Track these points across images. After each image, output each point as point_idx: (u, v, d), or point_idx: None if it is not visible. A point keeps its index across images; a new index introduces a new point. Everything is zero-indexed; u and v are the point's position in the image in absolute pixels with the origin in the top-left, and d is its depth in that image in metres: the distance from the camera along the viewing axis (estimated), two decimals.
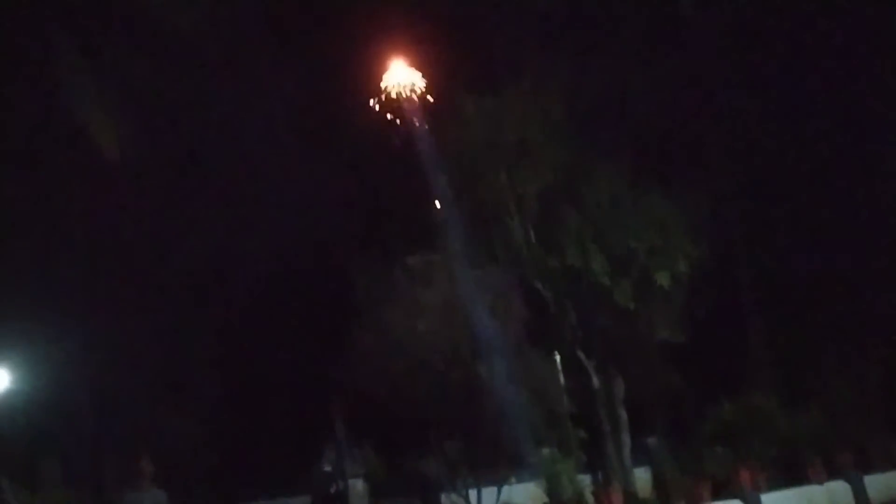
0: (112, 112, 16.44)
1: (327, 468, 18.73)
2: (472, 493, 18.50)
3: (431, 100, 19.29)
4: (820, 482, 17.10)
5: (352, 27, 18.41)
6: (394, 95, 19.35)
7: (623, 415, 18.21)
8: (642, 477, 18.42)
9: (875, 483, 17.68)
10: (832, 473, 17.43)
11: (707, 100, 17.91)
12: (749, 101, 18.00)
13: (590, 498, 16.10)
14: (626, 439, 18.20)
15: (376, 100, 19.21)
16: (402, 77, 19.48)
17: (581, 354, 18.43)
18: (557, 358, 18.55)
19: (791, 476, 17.13)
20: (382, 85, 19.23)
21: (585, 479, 17.38)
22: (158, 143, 17.16)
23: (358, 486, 18.31)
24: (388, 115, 19.02)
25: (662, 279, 17.64)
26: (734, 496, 15.53)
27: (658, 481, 17.90)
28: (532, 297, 18.21)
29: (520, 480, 18.50)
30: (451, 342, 17.64)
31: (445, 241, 17.87)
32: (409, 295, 17.65)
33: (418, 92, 19.50)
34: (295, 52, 18.04)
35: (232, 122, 17.13)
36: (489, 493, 18.51)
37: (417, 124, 18.82)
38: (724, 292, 19.10)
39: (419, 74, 19.45)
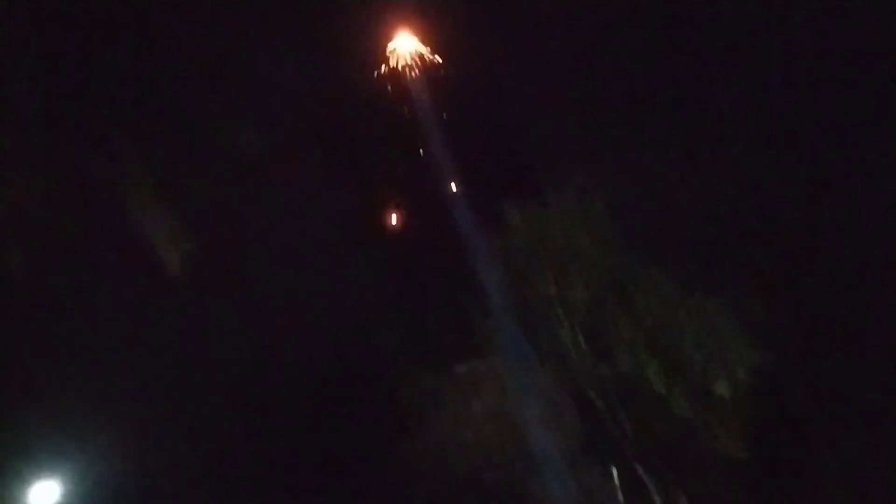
0: (176, 229, 17.17)
1: None
2: None
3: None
4: None
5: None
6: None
7: None
8: None
9: None
10: None
11: (758, 202, 17.68)
12: (800, 203, 17.69)
13: None
14: None
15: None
16: None
17: (640, 469, 17.59)
18: (615, 472, 17.74)
19: None
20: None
21: None
22: (214, 253, 17.68)
23: None
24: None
25: (721, 388, 16.99)
26: None
27: None
28: (585, 407, 17.65)
29: None
30: (502, 455, 17.10)
31: (494, 349, 17.65)
32: (457, 404, 17.32)
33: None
34: (341, 165, 18.64)
35: (283, 230, 17.61)
36: None
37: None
38: (789, 402, 18.14)
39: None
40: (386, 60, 19.91)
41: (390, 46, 20.13)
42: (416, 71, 20.03)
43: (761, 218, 17.63)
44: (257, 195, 17.52)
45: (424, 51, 20.06)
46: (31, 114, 16.79)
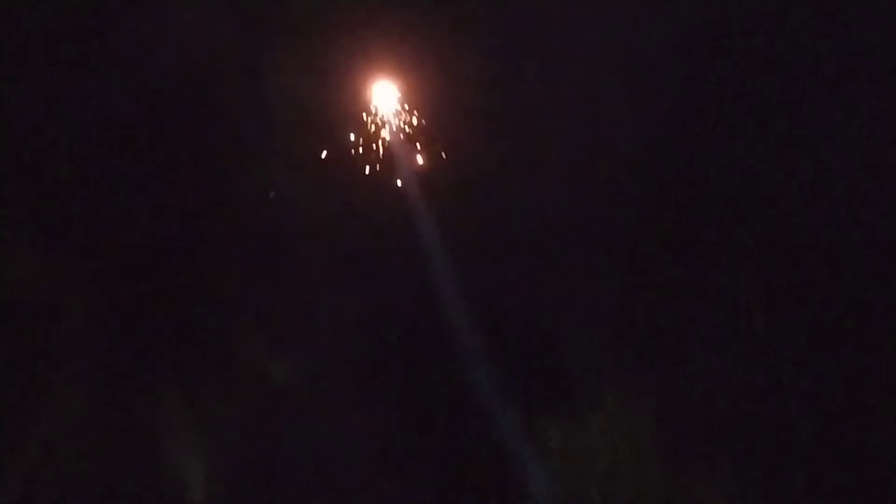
0: (203, 459, 16.99)
1: None
2: None
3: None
4: None
5: None
6: None
7: None
8: None
9: None
10: None
11: (804, 405, 16.92)
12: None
13: None
14: None
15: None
16: None
17: None
18: None
19: None
20: None
21: None
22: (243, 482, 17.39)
23: None
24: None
25: None
26: None
27: None
28: None
29: None
30: None
31: None
32: None
33: None
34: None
35: (317, 458, 17.35)
36: None
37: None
38: None
39: None
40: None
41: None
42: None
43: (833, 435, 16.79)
44: (292, 426, 17.33)
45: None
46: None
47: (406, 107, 18.46)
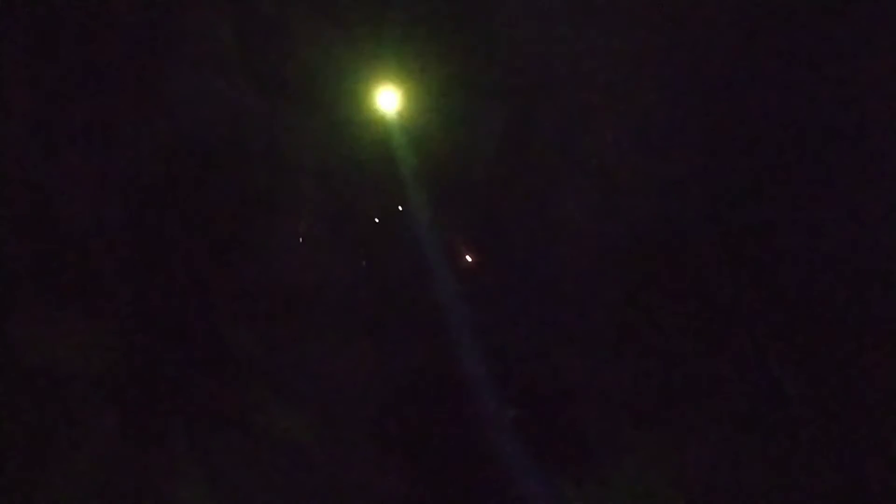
0: None
1: None
2: None
3: None
4: None
5: None
6: None
7: None
8: None
9: None
10: None
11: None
12: None
13: None
14: None
15: None
16: None
17: None
18: None
19: None
20: None
21: None
22: None
23: None
24: None
25: None
26: None
27: None
28: None
29: None
30: None
31: None
32: None
33: None
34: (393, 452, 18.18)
35: None
36: None
37: None
38: None
39: None
40: None
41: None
42: None
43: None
44: (305, 483, 17.07)
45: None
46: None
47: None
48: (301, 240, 18.04)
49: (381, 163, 18.31)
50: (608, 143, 18.77)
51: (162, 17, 17.27)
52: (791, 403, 16.70)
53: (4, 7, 17.31)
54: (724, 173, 18.46)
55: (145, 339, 17.36)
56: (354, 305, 17.99)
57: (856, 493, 16.22)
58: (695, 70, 18.46)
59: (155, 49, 17.29)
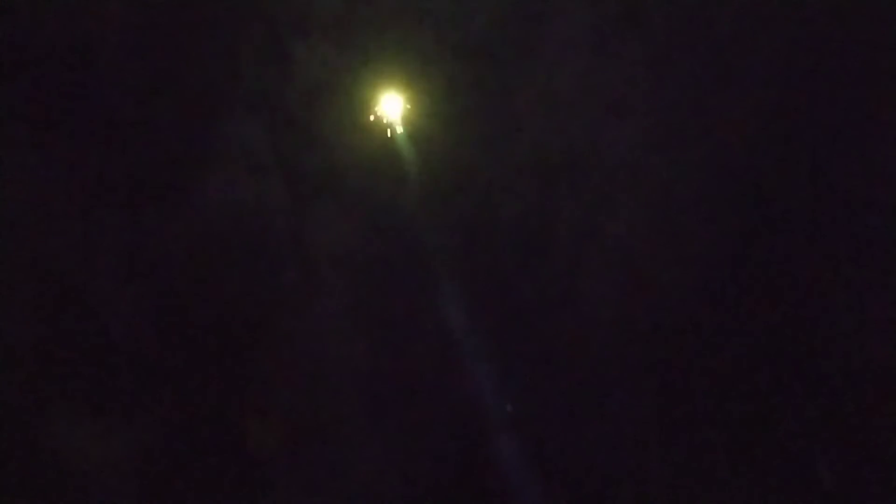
0: None
1: None
2: None
3: None
4: None
5: None
6: None
7: None
8: None
9: None
10: None
11: None
12: None
13: None
14: None
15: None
16: None
17: None
18: None
19: None
20: None
21: None
22: None
23: None
24: None
25: None
26: None
27: None
28: None
29: None
30: None
31: None
32: None
33: None
34: None
35: None
36: None
37: None
38: None
39: None
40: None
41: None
42: None
43: None
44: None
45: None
46: None
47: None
48: (326, 329, 18.18)
49: (411, 252, 18.49)
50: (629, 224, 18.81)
51: (192, 121, 17.65)
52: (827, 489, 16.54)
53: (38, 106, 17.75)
54: (747, 252, 18.48)
55: (166, 431, 17.54)
56: (379, 394, 18.10)
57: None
58: (718, 151, 18.54)
59: (187, 152, 17.68)
